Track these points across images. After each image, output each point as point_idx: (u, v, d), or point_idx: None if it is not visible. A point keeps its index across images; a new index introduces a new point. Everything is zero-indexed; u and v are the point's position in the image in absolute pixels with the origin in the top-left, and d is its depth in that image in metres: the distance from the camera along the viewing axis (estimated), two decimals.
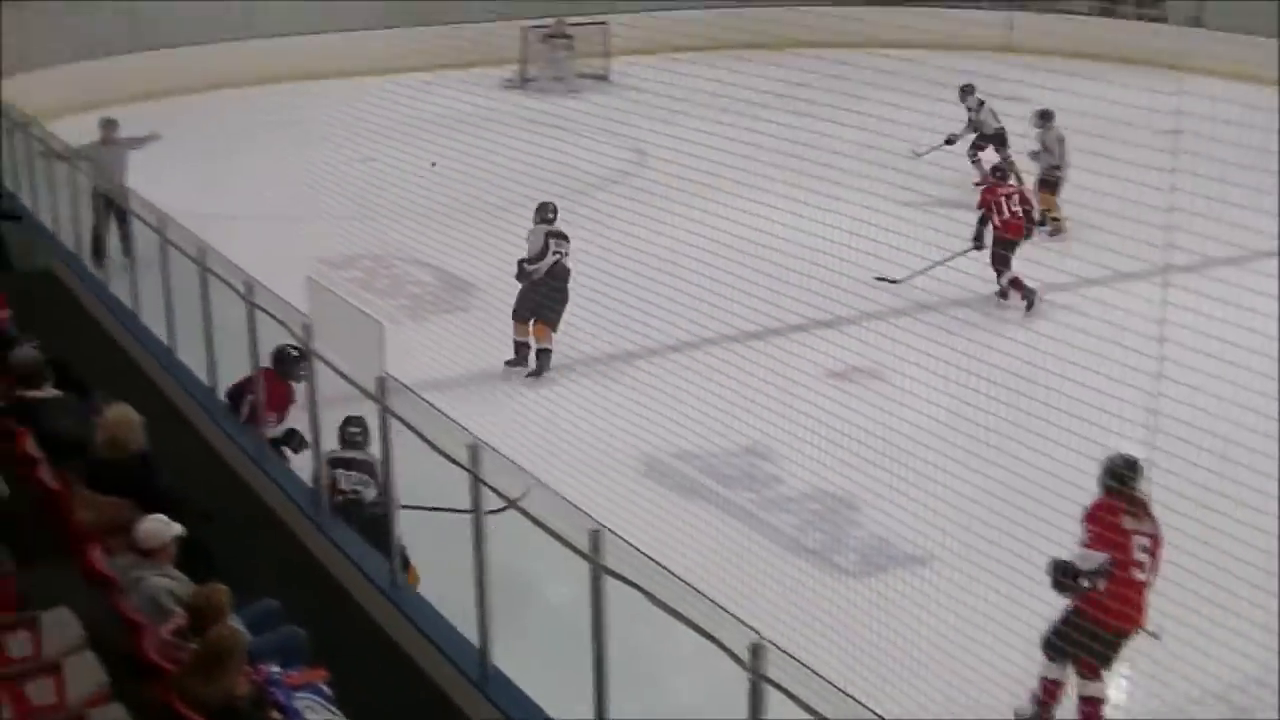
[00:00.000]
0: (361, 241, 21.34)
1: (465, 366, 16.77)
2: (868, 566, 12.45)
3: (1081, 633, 10.07)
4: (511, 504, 9.72)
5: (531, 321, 17.73)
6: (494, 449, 9.42)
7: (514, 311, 17.82)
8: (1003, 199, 19.84)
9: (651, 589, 7.56)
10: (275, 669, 8.73)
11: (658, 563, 7.67)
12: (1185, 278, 9.18)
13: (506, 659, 9.63)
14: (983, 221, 19.73)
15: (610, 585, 8.06)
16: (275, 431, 13.66)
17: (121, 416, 11.04)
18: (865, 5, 34.49)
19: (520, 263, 17.78)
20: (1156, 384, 8.59)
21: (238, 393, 13.97)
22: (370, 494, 12.23)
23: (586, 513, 8.42)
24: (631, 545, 7.95)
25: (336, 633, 10.19)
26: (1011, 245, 19.23)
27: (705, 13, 32.80)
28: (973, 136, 25.66)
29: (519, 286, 17.66)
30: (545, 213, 18.07)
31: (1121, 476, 10.31)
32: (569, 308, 17.52)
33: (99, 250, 20.09)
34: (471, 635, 9.74)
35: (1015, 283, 19.29)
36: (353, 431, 12.56)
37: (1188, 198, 8.49)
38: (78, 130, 22.04)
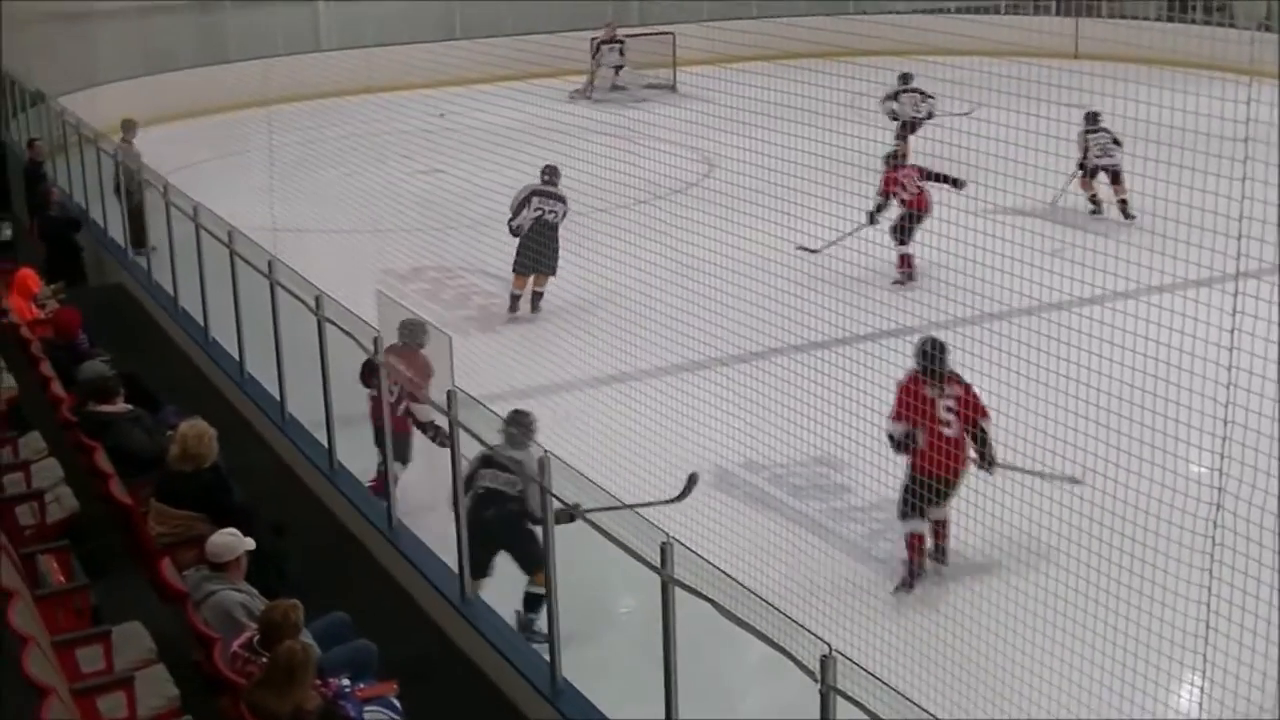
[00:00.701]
0: (428, 253, 21.39)
1: (533, 378, 16.78)
2: (935, 577, 12.41)
3: (915, 483, 11.97)
4: (690, 484, 11.97)
5: (532, 276, 19.54)
6: (562, 460, 9.42)
7: (514, 265, 19.60)
8: (903, 180, 20.32)
9: (721, 600, 7.55)
10: (345, 682, 8.76)
11: (727, 574, 7.66)
12: (1253, 285, 9.10)
13: (576, 670, 9.64)
14: (883, 201, 20.28)
15: (680, 596, 8.06)
16: (425, 415, 12.88)
17: (197, 430, 11.10)
18: (931, 14, 34.38)
19: (508, 221, 19.44)
20: (1229, 393, 8.52)
21: (367, 373, 12.85)
22: (513, 491, 11.30)
23: (655, 524, 8.41)
24: (701, 556, 7.94)
25: (406, 645, 10.22)
26: (916, 219, 19.55)
27: (771, 23, 32.76)
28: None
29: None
30: (542, 174, 19.44)
31: (923, 353, 12.31)
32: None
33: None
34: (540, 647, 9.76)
35: (905, 259, 20.11)
36: (510, 431, 11.31)
37: (1260, 206, 8.41)
38: (146, 144, 22.23)
